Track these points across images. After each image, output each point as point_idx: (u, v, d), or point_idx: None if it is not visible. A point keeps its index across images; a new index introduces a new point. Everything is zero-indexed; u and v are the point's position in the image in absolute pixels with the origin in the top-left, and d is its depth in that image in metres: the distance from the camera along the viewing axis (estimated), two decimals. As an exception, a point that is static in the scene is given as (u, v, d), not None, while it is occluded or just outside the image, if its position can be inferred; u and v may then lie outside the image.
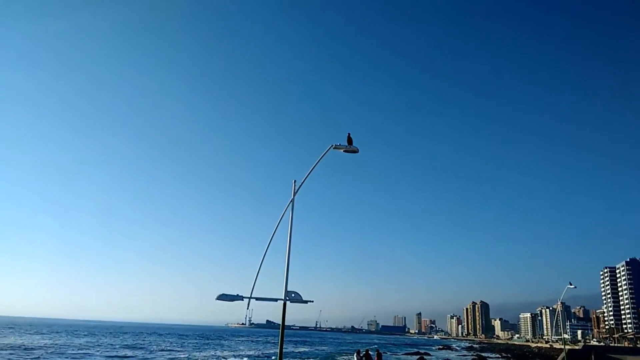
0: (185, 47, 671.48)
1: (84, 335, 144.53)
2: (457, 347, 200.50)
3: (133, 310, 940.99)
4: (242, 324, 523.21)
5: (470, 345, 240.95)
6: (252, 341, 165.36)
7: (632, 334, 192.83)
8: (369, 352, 34.38)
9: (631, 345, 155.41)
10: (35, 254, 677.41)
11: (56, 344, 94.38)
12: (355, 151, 14.80)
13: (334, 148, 14.66)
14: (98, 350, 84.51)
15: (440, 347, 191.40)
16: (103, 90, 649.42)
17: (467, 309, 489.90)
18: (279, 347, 13.87)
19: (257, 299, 13.65)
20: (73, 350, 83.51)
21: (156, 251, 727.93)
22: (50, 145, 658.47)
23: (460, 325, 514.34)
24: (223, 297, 13.38)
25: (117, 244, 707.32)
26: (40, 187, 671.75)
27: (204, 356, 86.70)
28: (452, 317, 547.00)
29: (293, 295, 13.77)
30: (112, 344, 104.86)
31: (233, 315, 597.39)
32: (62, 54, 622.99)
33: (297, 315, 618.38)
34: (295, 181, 14.79)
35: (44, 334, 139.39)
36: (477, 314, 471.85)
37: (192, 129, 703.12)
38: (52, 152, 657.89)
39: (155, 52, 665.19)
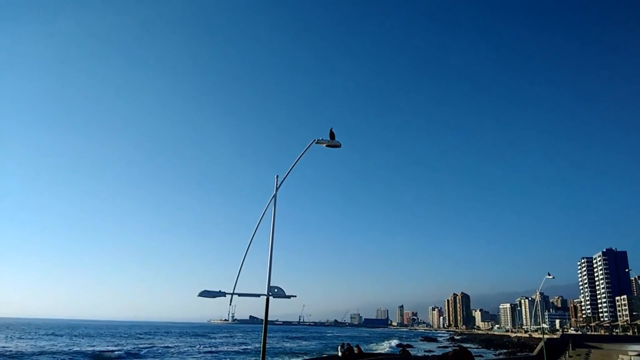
0: (164, 45, 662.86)
1: (64, 335, 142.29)
2: (438, 339, 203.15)
3: (111, 309, 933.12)
4: (225, 320, 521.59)
5: (451, 336, 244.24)
6: (235, 337, 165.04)
7: (608, 323, 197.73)
8: (351, 346, 34.86)
9: (607, 333, 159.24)
10: (20, 255, 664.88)
11: (34, 345, 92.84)
12: (338, 146, 14.80)
13: (316, 143, 14.64)
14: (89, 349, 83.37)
15: (423, 338, 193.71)
16: (82, 91, 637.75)
17: (448, 300, 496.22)
18: (262, 343, 13.81)
19: (239, 294, 13.58)
20: (56, 349, 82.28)
21: (136, 249, 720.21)
22: (41, 147, 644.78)
23: (441, 317, 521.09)
24: (205, 294, 13.28)
25: (97, 243, 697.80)
26: (26, 188, 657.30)
27: (188, 352, 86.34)
28: (433, 309, 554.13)
29: (276, 290, 13.71)
30: (99, 344, 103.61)
31: (215, 311, 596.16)
32: (52, 56, 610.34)
33: (280, 310, 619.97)
34: (277, 176, 14.73)
35: (22, 334, 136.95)
36: (458, 305, 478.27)
37: (172, 128, 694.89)
38: (41, 153, 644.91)
39: (136, 53, 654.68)
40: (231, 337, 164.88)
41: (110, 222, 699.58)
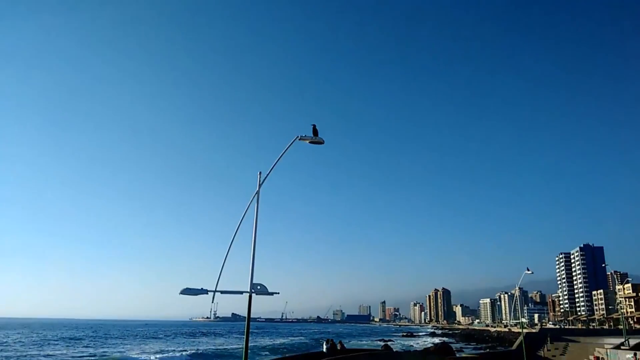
0: (149, 43, 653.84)
1: (64, 337, 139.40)
2: (420, 334, 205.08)
3: (90, 308, 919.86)
4: (207, 317, 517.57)
5: (433, 331, 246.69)
6: (218, 335, 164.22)
7: (585, 316, 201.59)
8: (334, 342, 35.13)
9: (584, 327, 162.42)
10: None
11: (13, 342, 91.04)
12: (321, 142, 14.75)
13: (299, 139, 14.57)
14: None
15: (404, 334, 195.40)
16: (75, 88, 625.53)
17: (429, 296, 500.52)
18: (244, 340, 13.73)
19: (222, 292, 13.45)
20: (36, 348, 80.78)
21: (114, 247, 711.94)
22: (31, 142, 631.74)
23: (423, 312, 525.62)
24: (187, 292, 13.14)
25: (76, 242, 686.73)
26: (8, 186, 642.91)
27: (170, 350, 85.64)
28: (415, 305, 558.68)
29: (259, 287, 13.63)
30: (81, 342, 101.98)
31: (197, 309, 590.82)
32: (51, 53, 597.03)
33: (263, 307, 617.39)
34: (260, 173, 14.63)
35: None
36: (439, 300, 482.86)
37: (157, 124, 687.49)
38: (25, 151, 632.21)
39: (126, 50, 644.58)
40: (213, 334, 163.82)
41: (89, 221, 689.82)
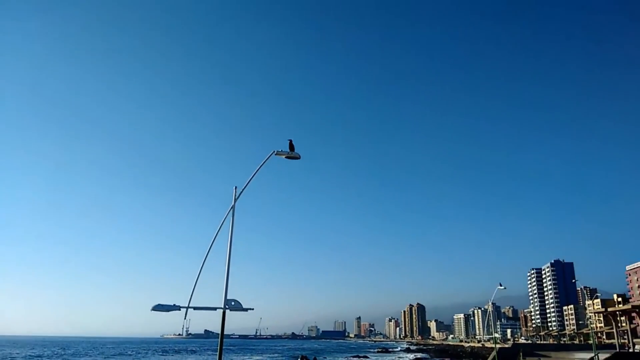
0: (126, 53, 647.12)
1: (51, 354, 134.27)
2: (395, 350, 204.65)
3: (55, 324, 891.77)
4: (179, 334, 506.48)
5: (407, 347, 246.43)
6: (191, 352, 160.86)
7: (556, 332, 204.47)
8: (308, 358, 34.91)
9: (555, 342, 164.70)
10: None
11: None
12: (297, 157, 14.67)
13: (275, 154, 14.53)
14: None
15: (379, 350, 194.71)
16: (38, 94, 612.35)
17: (404, 311, 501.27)
18: (217, 358, 13.48)
19: (195, 308, 13.24)
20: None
21: (83, 261, 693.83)
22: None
23: (398, 328, 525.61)
24: (159, 308, 12.87)
25: (41, 252, 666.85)
26: None
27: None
28: (390, 320, 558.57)
29: (233, 303, 13.45)
30: None
31: (169, 326, 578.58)
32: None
33: (236, 323, 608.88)
34: (236, 187, 14.52)
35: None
36: (414, 316, 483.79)
37: (132, 135, 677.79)
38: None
39: (101, 59, 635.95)
40: (186, 351, 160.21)
41: (57, 235, 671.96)
